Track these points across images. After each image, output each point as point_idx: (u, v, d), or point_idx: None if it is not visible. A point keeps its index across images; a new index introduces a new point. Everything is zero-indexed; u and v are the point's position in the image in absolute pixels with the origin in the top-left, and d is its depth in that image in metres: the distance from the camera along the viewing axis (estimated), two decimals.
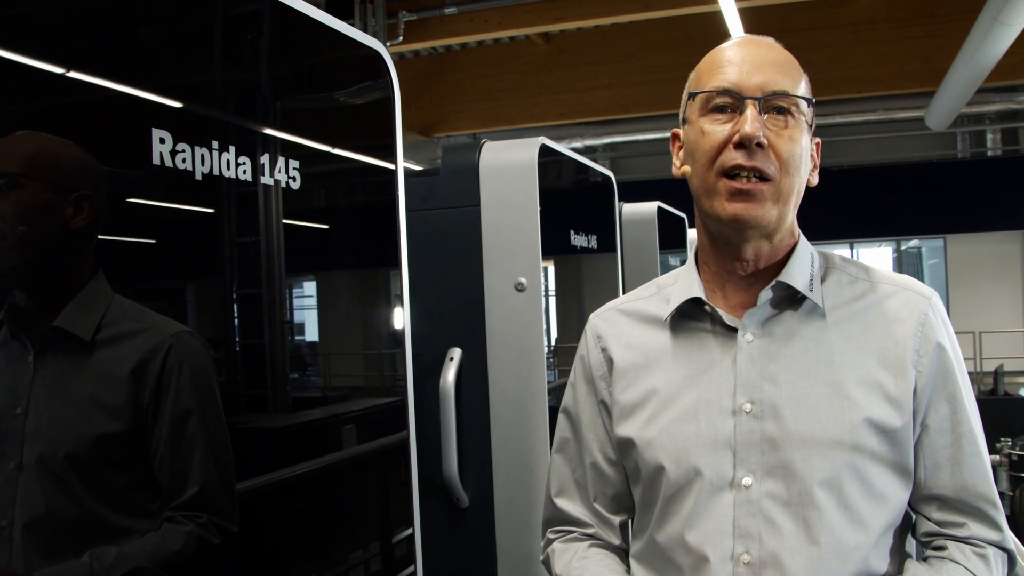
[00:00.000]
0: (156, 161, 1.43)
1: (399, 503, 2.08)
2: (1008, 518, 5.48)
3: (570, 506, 1.48)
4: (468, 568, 1.16)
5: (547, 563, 1.49)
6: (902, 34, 10.03)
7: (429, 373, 2.45)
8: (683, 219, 5.18)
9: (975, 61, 8.27)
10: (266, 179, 1.65)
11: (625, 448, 1.39)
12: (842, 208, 17.26)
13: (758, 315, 1.33)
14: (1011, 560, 1.35)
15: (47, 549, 1.36)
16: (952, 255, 18.13)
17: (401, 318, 2.07)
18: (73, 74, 1.34)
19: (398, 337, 2.09)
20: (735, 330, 1.33)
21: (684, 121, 1.39)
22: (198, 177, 1.52)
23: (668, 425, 1.33)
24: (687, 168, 1.35)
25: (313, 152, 1.83)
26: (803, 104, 1.32)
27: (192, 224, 1.58)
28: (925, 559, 1.35)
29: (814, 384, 1.29)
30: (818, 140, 1.40)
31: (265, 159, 1.65)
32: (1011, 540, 1.34)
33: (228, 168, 1.56)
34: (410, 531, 2.08)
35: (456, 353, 2.49)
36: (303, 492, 1.80)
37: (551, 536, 1.51)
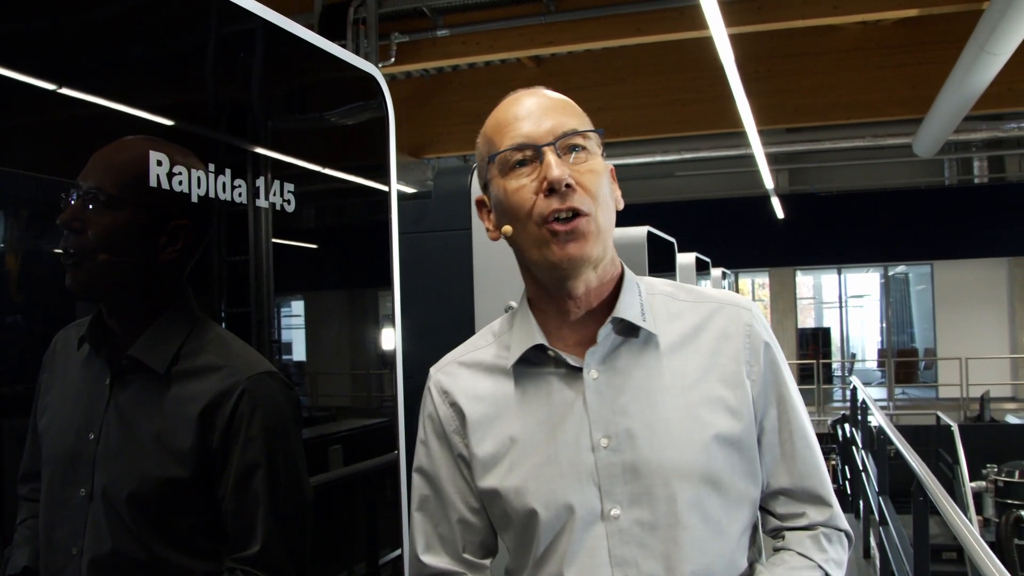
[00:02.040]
0: (153, 183, 1.42)
1: (388, 524, 2.07)
2: (993, 544, 5.50)
3: (438, 560, 1.47)
4: None
5: None
6: (891, 61, 10.13)
7: (420, 395, 2.45)
8: (672, 243, 5.20)
9: (962, 89, 8.34)
10: (261, 202, 1.65)
11: (491, 498, 1.40)
12: (830, 234, 17.38)
13: (599, 351, 1.36)
14: (849, 539, 1.46)
15: None
16: (939, 281, 18.24)
17: (392, 339, 2.07)
18: (72, 92, 1.33)
19: (388, 359, 2.09)
20: (580, 369, 1.36)
21: (485, 187, 1.42)
22: (194, 199, 1.50)
23: (532, 471, 1.35)
24: (508, 228, 1.37)
25: (308, 174, 1.83)
26: (594, 136, 1.37)
27: (191, 245, 1.55)
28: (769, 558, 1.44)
29: (663, 410, 1.33)
30: (611, 165, 1.43)
31: (261, 182, 1.65)
32: (842, 519, 1.44)
33: (224, 191, 1.56)
34: (397, 552, 2.07)
35: None
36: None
37: None
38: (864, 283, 22.58)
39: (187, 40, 1.57)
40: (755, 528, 1.43)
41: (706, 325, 1.40)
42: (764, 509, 1.45)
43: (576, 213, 1.31)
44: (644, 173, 17.31)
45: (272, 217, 1.70)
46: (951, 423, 8.16)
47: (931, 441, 8.88)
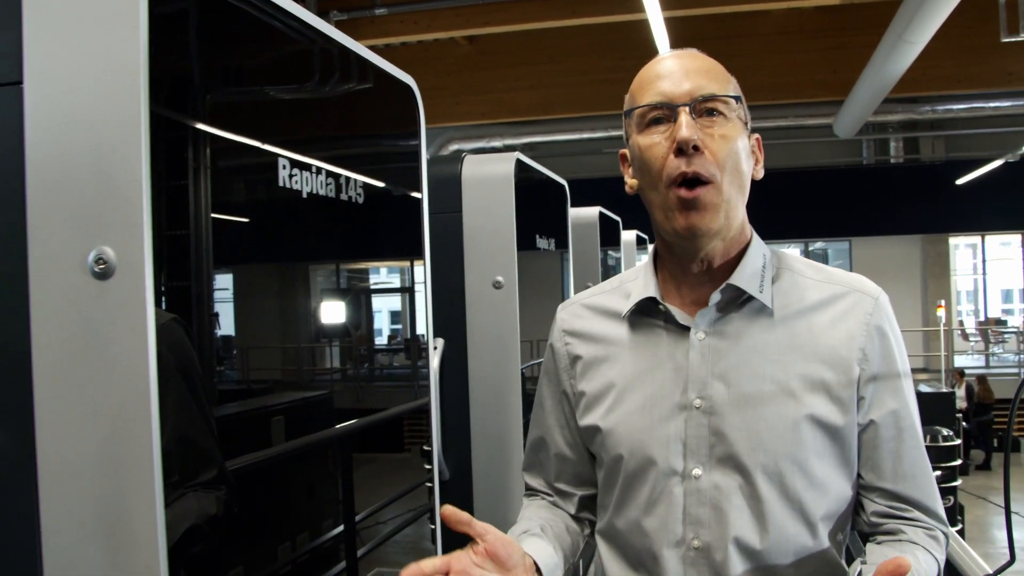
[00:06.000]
0: (281, 183, 1.56)
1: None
2: None
3: (534, 481, 1.61)
4: (451, 532, 1.30)
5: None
6: (813, 46, 10.45)
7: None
8: (618, 222, 5.49)
9: (881, 74, 8.68)
10: (344, 195, 1.81)
11: (590, 435, 1.47)
12: (753, 210, 17.67)
13: (709, 315, 1.38)
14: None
15: None
16: (856, 257, 18.74)
17: (424, 309, 2.30)
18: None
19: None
20: (688, 328, 1.39)
21: (627, 140, 1.46)
22: (304, 196, 1.64)
23: (624, 417, 1.40)
24: (634, 182, 1.43)
25: (369, 170, 2.00)
26: (733, 103, 1.38)
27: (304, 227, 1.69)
28: (878, 542, 1.41)
29: (761, 382, 1.34)
30: (757, 136, 1.47)
31: (343, 180, 1.81)
32: (947, 526, 1.43)
33: (321, 188, 1.71)
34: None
35: (439, 343, 2.78)
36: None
37: (524, 499, 1.64)
38: None
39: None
40: (840, 525, 1.39)
41: (826, 307, 1.39)
42: (864, 498, 1.41)
43: (699, 179, 1.32)
44: (572, 150, 17.50)
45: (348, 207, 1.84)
46: None
47: None
